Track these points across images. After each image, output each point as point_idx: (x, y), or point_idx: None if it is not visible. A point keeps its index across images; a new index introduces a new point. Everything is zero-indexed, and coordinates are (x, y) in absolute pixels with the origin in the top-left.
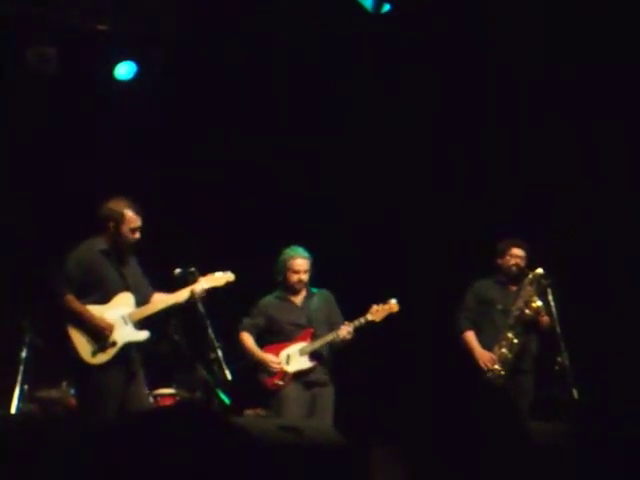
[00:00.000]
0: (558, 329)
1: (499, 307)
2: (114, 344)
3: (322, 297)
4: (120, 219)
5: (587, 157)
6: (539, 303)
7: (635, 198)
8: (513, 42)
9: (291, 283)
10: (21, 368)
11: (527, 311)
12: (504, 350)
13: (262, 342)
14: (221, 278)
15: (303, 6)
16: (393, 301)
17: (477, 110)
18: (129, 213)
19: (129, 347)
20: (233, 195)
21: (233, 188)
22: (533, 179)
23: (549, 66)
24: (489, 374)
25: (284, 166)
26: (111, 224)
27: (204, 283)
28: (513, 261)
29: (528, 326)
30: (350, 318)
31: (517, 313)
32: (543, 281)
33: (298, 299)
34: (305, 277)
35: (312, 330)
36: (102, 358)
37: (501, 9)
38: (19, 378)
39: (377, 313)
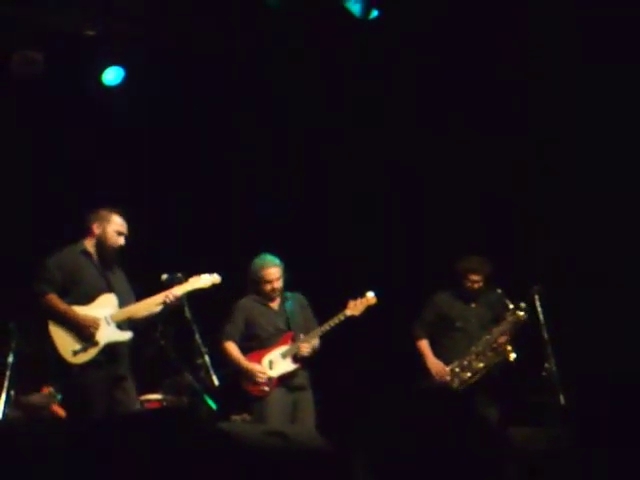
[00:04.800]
0: (545, 335)
1: (458, 324)
2: (96, 344)
3: (296, 301)
4: (107, 220)
5: (568, 165)
6: (513, 356)
7: (615, 205)
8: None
9: (266, 292)
10: (7, 373)
11: (508, 359)
12: (468, 374)
13: (241, 347)
14: (207, 280)
15: (290, 10)
16: (370, 294)
17: (460, 109)
18: (116, 217)
19: (113, 349)
20: (220, 199)
21: (221, 191)
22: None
23: (532, 75)
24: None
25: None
26: (97, 224)
27: (188, 285)
28: (471, 285)
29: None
30: (328, 317)
31: (490, 347)
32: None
33: (274, 303)
34: (278, 285)
35: (292, 334)
36: (83, 358)
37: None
38: (5, 384)
39: (355, 307)
